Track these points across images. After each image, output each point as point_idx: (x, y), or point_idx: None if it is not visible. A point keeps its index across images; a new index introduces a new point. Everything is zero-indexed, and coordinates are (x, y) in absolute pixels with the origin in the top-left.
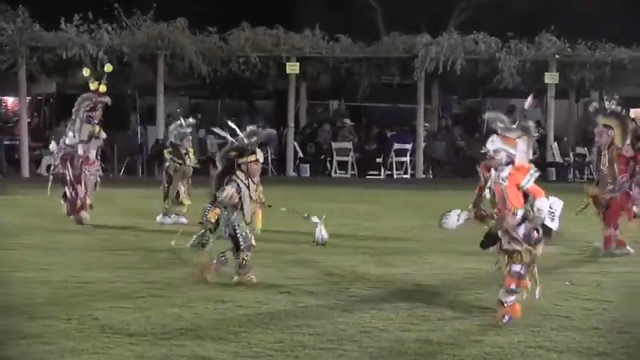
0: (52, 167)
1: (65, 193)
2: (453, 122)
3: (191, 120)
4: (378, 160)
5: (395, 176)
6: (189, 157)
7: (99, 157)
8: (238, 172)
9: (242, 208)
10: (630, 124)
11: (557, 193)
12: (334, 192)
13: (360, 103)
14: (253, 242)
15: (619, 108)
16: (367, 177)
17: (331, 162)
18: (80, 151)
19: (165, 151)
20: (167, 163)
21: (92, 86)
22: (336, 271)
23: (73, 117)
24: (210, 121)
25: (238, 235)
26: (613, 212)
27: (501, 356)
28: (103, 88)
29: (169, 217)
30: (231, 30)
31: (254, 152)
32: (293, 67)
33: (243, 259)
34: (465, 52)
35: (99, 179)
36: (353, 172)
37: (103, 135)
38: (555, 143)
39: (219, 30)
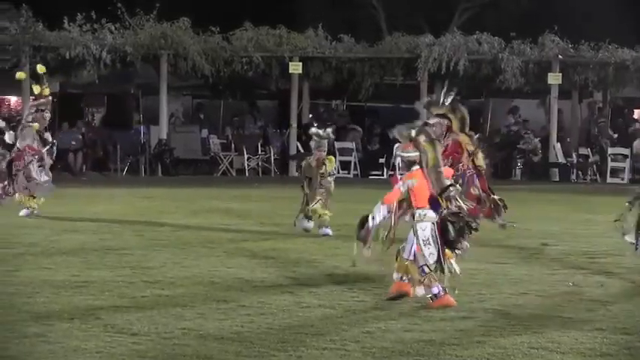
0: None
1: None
2: None
3: (329, 130)
4: (381, 160)
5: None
6: (324, 165)
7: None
8: None
9: None
10: (467, 115)
11: (560, 194)
12: (337, 192)
13: (363, 104)
14: None
15: (451, 98)
16: (370, 177)
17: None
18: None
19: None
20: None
21: (35, 90)
22: (338, 271)
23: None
24: (213, 120)
25: None
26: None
27: (504, 357)
28: (46, 91)
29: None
30: (234, 30)
31: None
32: (296, 67)
33: None
34: (467, 52)
35: (29, 165)
36: (356, 173)
37: (36, 125)
38: (558, 144)
39: (222, 30)
